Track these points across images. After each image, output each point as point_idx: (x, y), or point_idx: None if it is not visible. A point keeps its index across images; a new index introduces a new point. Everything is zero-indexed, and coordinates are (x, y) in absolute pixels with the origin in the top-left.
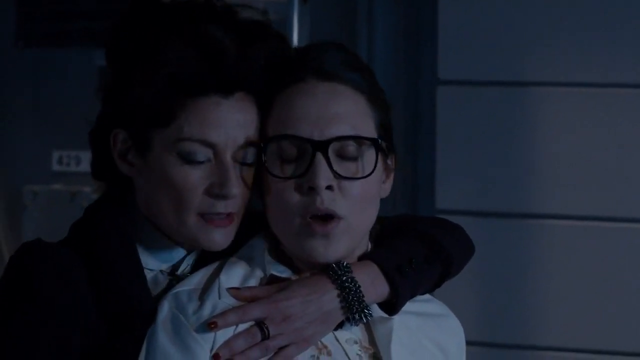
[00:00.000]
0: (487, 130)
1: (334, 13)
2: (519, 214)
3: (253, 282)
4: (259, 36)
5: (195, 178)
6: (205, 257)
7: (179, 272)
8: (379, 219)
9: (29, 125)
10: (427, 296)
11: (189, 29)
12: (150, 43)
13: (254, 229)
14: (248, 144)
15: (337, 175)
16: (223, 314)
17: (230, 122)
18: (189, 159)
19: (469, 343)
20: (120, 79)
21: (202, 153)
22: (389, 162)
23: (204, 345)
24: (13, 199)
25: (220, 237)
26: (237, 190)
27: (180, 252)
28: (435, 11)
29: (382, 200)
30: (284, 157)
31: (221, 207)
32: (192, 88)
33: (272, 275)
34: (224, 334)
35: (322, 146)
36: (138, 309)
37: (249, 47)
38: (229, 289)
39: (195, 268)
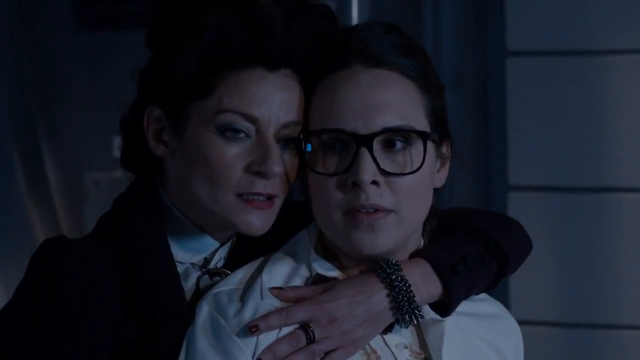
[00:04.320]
0: (559, 102)
1: None
2: (594, 187)
3: (297, 282)
4: (305, 12)
5: (233, 154)
6: (238, 250)
7: (211, 265)
8: (435, 212)
9: (89, 112)
10: (482, 295)
11: None
12: (195, 11)
13: (299, 221)
14: (291, 124)
15: (383, 172)
16: (265, 316)
17: (275, 97)
18: (227, 132)
19: (544, 324)
20: (159, 54)
21: (243, 127)
22: (443, 150)
23: (246, 350)
24: (74, 186)
25: (258, 221)
26: (278, 168)
27: (212, 244)
28: None
29: (452, 179)
30: (327, 150)
31: (260, 186)
32: (235, 57)
33: (317, 275)
34: (266, 338)
35: (366, 140)
36: (170, 306)
37: (295, 22)
38: (272, 289)
39: (228, 261)
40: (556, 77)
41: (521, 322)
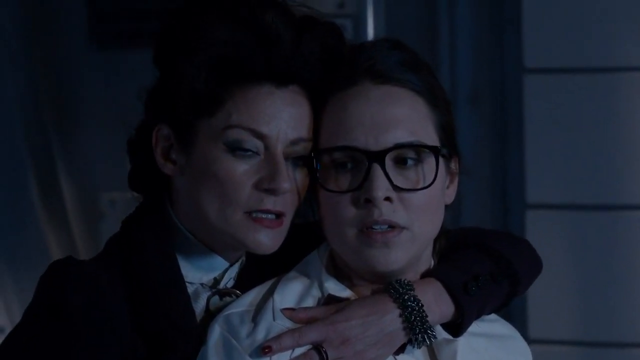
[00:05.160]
0: (577, 119)
1: (411, 2)
2: (612, 205)
3: (310, 302)
4: (313, 29)
5: (242, 171)
6: (248, 270)
7: (221, 285)
8: (444, 232)
9: (104, 130)
10: (493, 316)
11: (244, 13)
12: (202, 26)
13: (309, 242)
14: (300, 140)
15: (396, 187)
16: (278, 337)
17: (283, 114)
18: (236, 149)
19: (562, 342)
20: (167, 71)
21: (251, 143)
22: (452, 166)
23: None
24: (90, 206)
25: (267, 239)
26: (288, 185)
27: (221, 263)
28: None
29: (469, 198)
30: (338, 168)
31: (270, 203)
32: (243, 73)
33: (329, 295)
34: (279, 359)
35: (378, 156)
36: (180, 326)
37: (304, 38)
38: (284, 310)
39: (238, 281)
40: (574, 94)
41: (539, 341)
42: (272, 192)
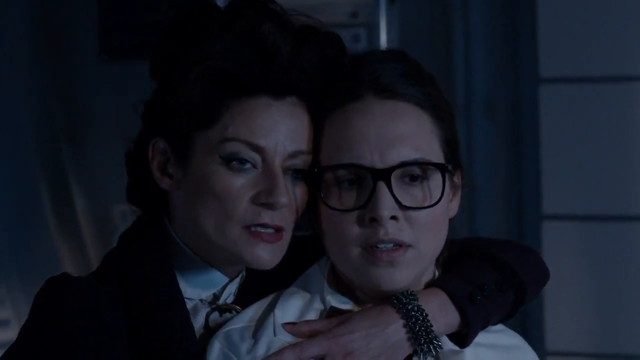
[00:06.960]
0: (593, 129)
1: (425, 11)
2: (630, 216)
3: (312, 316)
4: (312, 39)
5: (239, 185)
6: (248, 285)
7: (221, 301)
8: (447, 242)
9: (116, 142)
10: (500, 326)
11: (241, 24)
12: (198, 38)
13: (309, 256)
14: (298, 153)
15: (402, 206)
16: (279, 352)
17: (281, 126)
18: (232, 163)
19: (579, 354)
20: (164, 84)
21: (248, 156)
22: (455, 179)
23: None
24: (102, 219)
25: (266, 254)
26: (286, 199)
27: (221, 279)
28: (534, 4)
29: (484, 209)
30: (341, 185)
31: (267, 217)
32: (241, 85)
33: (332, 308)
34: None
35: (384, 174)
36: (179, 343)
37: (302, 48)
38: (285, 325)
39: (238, 297)
40: (590, 104)
41: (556, 353)
42: (269, 206)
